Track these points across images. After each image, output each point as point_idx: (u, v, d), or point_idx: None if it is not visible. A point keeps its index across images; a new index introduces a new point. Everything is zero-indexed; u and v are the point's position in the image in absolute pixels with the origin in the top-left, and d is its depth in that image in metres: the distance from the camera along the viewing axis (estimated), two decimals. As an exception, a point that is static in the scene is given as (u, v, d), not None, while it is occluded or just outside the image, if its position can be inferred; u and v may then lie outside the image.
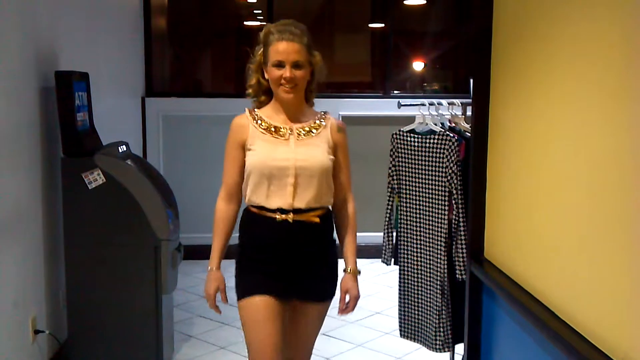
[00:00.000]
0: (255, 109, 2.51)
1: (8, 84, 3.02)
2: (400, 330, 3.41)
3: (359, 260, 2.55)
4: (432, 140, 3.16)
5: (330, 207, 2.52)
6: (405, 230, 3.33)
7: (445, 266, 3.14)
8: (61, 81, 3.37)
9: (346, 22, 7.28)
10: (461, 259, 3.05)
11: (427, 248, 3.22)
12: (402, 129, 3.33)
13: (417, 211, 3.25)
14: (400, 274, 3.38)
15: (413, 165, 3.25)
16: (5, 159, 2.98)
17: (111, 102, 4.68)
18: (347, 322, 4.35)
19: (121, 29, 5.34)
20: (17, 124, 3.12)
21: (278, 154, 2.39)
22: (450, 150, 3.08)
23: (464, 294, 2.84)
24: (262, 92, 2.52)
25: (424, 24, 7.24)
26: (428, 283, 3.23)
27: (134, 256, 3.47)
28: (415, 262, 3.30)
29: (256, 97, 2.53)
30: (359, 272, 2.53)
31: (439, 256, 3.16)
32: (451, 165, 3.07)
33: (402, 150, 3.30)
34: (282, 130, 2.43)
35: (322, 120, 2.50)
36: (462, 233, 3.05)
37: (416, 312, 3.33)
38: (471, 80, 2.76)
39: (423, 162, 3.20)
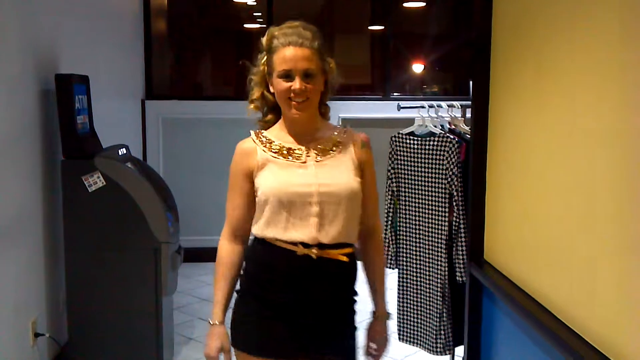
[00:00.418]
0: (262, 131, 2.11)
1: (8, 86, 3.02)
2: (399, 334, 3.41)
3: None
4: (432, 143, 3.16)
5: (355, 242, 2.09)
6: (405, 233, 3.33)
7: (446, 268, 3.14)
8: (61, 84, 3.38)
9: (346, 24, 7.29)
10: (462, 261, 3.05)
11: (428, 250, 3.22)
12: (401, 132, 3.33)
13: (417, 214, 3.25)
14: (399, 277, 3.38)
15: (413, 168, 3.25)
16: (6, 161, 2.98)
17: (111, 105, 4.68)
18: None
19: (121, 32, 5.35)
20: (17, 127, 3.12)
21: (297, 178, 1.99)
22: (450, 152, 3.08)
23: (464, 296, 2.85)
24: (268, 109, 2.12)
25: (423, 27, 7.26)
26: (428, 286, 3.23)
27: (134, 259, 3.47)
28: (415, 265, 3.30)
29: (261, 115, 2.14)
30: (389, 316, 2.18)
31: (439, 258, 3.16)
32: (452, 167, 3.07)
33: (402, 153, 3.30)
34: (296, 151, 2.03)
35: (342, 135, 2.08)
36: (463, 235, 3.05)
37: (416, 315, 3.33)
38: (471, 83, 2.77)
39: (423, 165, 3.20)
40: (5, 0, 2.97)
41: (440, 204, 3.15)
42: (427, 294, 3.24)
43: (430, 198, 3.18)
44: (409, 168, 3.27)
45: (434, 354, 3.25)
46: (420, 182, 3.23)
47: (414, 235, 3.28)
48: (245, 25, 7.23)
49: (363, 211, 2.09)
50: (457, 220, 3.08)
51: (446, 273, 3.14)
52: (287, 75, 1.96)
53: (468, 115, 3.01)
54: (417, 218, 3.26)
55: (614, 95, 1.67)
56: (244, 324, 2.07)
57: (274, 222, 1.99)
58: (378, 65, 6.80)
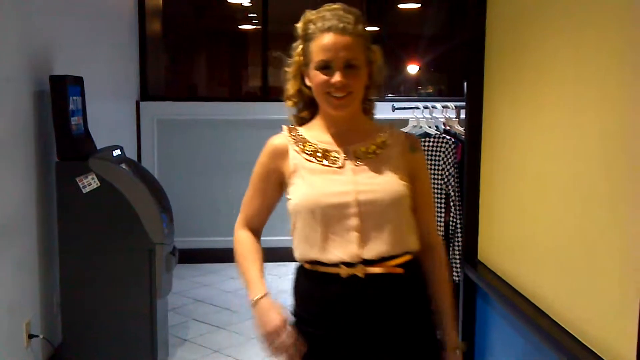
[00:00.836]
0: (297, 127, 1.85)
1: (2, 88, 3.02)
2: None
3: None
4: (427, 144, 3.17)
5: (415, 251, 1.78)
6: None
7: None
8: (56, 85, 3.37)
9: (341, 25, 7.28)
10: (458, 261, 3.06)
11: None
12: None
13: (412, 214, 3.25)
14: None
15: (407, 169, 3.25)
16: (0, 163, 2.98)
17: (106, 106, 4.67)
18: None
19: (116, 33, 5.34)
20: (11, 128, 3.11)
21: (332, 186, 1.72)
22: (447, 152, 3.08)
23: (458, 296, 2.85)
24: (304, 105, 1.84)
25: (418, 28, 7.27)
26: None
27: (128, 260, 3.47)
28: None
29: (297, 111, 1.88)
30: (463, 347, 1.84)
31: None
32: (448, 167, 3.08)
33: (396, 154, 3.29)
34: (333, 154, 1.76)
35: (388, 136, 1.81)
36: (460, 235, 3.06)
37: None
38: (465, 84, 2.78)
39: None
40: (-1, 1, 2.97)
41: (436, 205, 3.15)
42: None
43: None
44: (404, 169, 3.26)
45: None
46: (414, 183, 3.23)
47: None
48: (240, 27, 7.23)
49: (418, 225, 1.80)
50: (454, 220, 3.09)
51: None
52: (326, 67, 1.70)
53: (462, 116, 3.02)
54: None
55: (611, 96, 1.67)
56: None
57: (310, 239, 1.72)
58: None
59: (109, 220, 3.43)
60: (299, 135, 1.81)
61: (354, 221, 1.69)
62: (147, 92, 6.03)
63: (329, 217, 1.69)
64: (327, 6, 1.76)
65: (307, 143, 1.79)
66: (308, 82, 1.77)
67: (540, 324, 1.99)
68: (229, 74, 7.38)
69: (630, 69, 1.57)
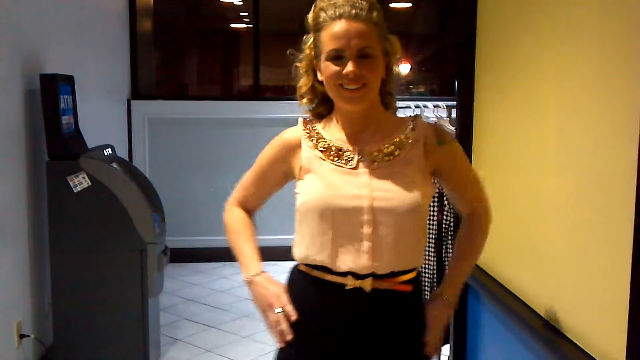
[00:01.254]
0: (314, 121, 1.73)
1: (-8, 87, 3.01)
2: None
3: None
4: (417, 143, 3.17)
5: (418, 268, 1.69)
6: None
7: (435, 268, 3.15)
8: (46, 84, 3.36)
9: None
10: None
11: (413, 250, 3.23)
12: None
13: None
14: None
15: (399, 168, 3.26)
16: (-10, 162, 2.97)
17: (96, 105, 4.66)
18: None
19: (107, 32, 5.32)
20: (1, 127, 3.10)
21: (344, 188, 1.60)
22: (439, 152, 3.09)
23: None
24: (319, 102, 1.71)
25: (409, 27, 7.28)
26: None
27: (119, 259, 3.46)
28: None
29: (312, 109, 1.74)
30: (456, 306, 1.73)
31: (428, 258, 3.17)
32: (440, 167, 3.09)
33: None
34: (347, 153, 1.64)
35: (410, 132, 1.65)
36: (452, 234, 3.07)
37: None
38: (456, 83, 2.79)
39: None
40: (-11, 0, 2.96)
41: (429, 204, 3.15)
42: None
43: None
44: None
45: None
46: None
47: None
48: (232, 25, 7.22)
49: (460, 199, 1.75)
50: (447, 219, 3.09)
51: (434, 272, 3.16)
52: (338, 57, 1.56)
53: (454, 115, 3.03)
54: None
55: (606, 97, 1.68)
56: None
57: (319, 242, 1.60)
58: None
59: (100, 219, 3.42)
60: (314, 129, 1.70)
61: (367, 229, 1.57)
62: (138, 90, 6.01)
63: (339, 221, 1.58)
64: None
65: (321, 139, 1.67)
66: (320, 77, 1.63)
67: (531, 322, 2.00)
68: (221, 73, 7.36)
69: (625, 69, 1.58)
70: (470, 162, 2.63)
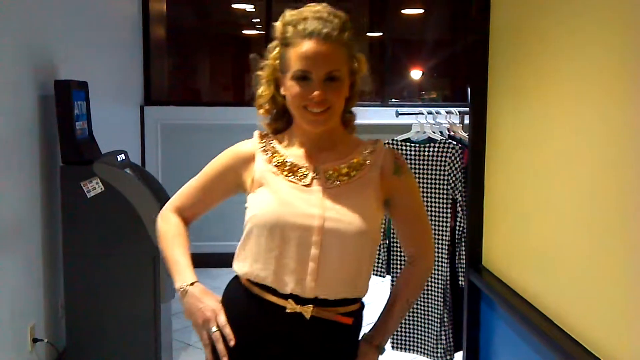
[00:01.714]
0: (271, 135, 1.70)
1: (7, 92, 3.03)
2: (392, 343, 3.36)
3: None
4: (431, 149, 3.16)
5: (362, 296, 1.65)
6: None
7: (447, 274, 3.14)
8: (60, 90, 3.38)
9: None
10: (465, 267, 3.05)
11: (426, 256, 3.21)
12: (395, 138, 3.29)
13: (416, 219, 3.24)
14: (392, 284, 3.35)
15: (411, 174, 3.24)
16: (5, 167, 2.98)
17: (110, 111, 4.68)
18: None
19: (120, 38, 5.36)
20: (16, 133, 3.12)
21: (297, 205, 1.55)
22: (454, 157, 3.08)
23: (462, 301, 2.85)
24: (277, 114, 1.68)
25: (421, 33, 7.28)
26: (427, 291, 3.23)
27: (132, 265, 3.47)
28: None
29: (270, 120, 1.71)
30: (383, 351, 1.68)
31: (441, 264, 3.15)
32: (455, 172, 3.07)
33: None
34: (301, 170, 1.60)
35: (369, 155, 1.64)
36: (465, 241, 3.05)
37: (412, 322, 3.32)
38: (469, 89, 2.78)
39: (421, 171, 3.19)
40: (4, 6, 2.98)
41: (442, 210, 3.14)
42: (426, 300, 3.24)
43: (430, 204, 3.18)
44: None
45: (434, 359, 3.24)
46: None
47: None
48: (244, 32, 7.25)
49: (406, 237, 1.73)
50: (460, 225, 3.08)
51: (447, 278, 3.14)
52: (304, 77, 1.52)
53: (467, 121, 3.02)
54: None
55: (617, 100, 1.67)
56: None
57: (262, 260, 1.56)
58: (376, 72, 6.82)
59: (113, 224, 3.43)
60: (270, 143, 1.67)
61: (314, 250, 1.52)
62: (151, 96, 6.04)
63: (288, 239, 1.53)
64: (310, 6, 1.57)
65: (277, 154, 1.64)
66: (283, 91, 1.59)
67: (544, 329, 1.99)
68: (233, 79, 7.39)
69: (636, 72, 1.57)
70: (483, 168, 2.64)
